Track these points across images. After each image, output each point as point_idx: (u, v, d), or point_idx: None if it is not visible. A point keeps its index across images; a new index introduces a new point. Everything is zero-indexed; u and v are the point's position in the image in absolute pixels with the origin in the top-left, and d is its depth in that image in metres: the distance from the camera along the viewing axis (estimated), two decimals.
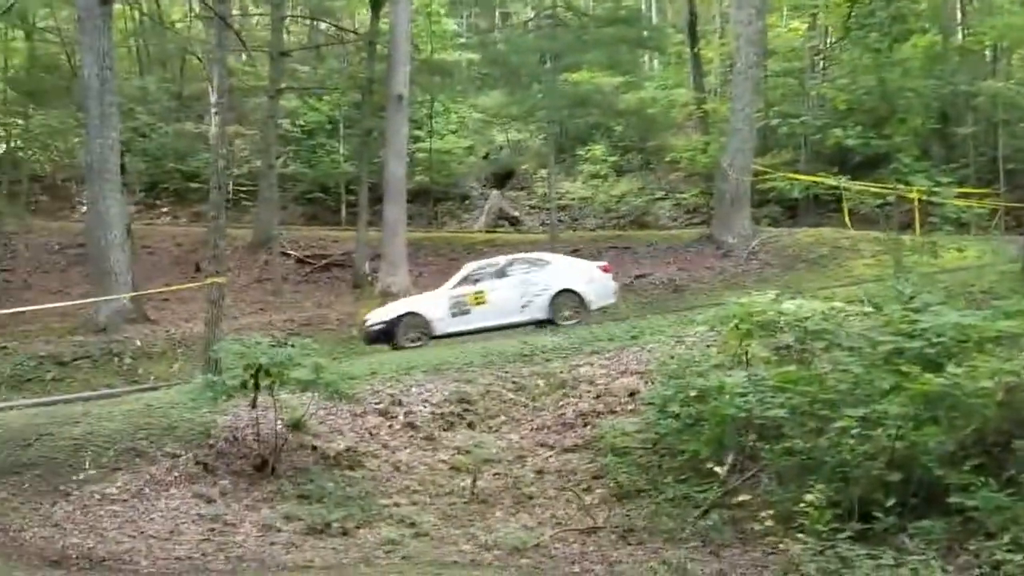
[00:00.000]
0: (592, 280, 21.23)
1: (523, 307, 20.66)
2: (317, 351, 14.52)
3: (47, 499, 12.63)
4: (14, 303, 25.80)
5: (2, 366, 23.22)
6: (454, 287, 21.13)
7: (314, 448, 14.06)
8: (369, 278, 28.90)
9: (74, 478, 13.03)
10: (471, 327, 20.47)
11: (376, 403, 15.26)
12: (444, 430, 14.79)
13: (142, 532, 12.07)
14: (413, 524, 12.37)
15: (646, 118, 37.25)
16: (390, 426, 14.84)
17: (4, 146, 36.02)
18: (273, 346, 14.08)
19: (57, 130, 35.68)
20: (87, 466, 13.24)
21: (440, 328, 20.53)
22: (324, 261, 31.84)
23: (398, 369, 16.59)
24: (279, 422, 13.97)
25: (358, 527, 12.29)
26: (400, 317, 20.56)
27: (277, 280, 29.64)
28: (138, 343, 23.93)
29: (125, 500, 12.73)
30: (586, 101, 33.29)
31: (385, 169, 28.05)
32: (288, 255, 31.71)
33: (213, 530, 12.16)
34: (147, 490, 12.95)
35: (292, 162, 36.86)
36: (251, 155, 37.08)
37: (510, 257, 21.96)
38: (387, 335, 20.51)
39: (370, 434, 14.62)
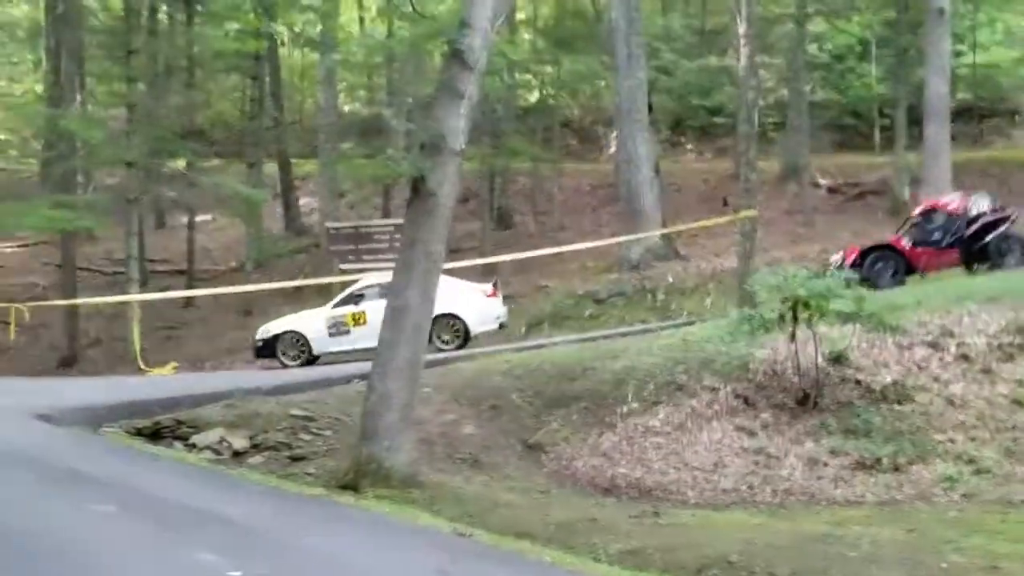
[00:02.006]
0: (474, 304, 19.82)
1: None
2: (857, 281, 13.79)
3: (594, 430, 12.97)
4: (551, 244, 27.12)
5: (544, 304, 24.61)
6: (335, 306, 20.53)
7: (858, 382, 13.39)
8: (909, 205, 27.38)
9: (618, 410, 13.28)
10: (350, 348, 19.77)
11: (924, 334, 14.18)
12: (1003, 362, 13.45)
13: (686, 464, 12.12)
14: (972, 460, 11.57)
15: None
16: (940, 358, 13.74)
17: (537, 94, 37.96)
18: (811, 278, 13.53)
19: (584, 75, 37.06)
20: (629, 399, 13.45)
21: (318, 347, 20.28)
22: (857, 189, 30.70)
23: (947, 299, 15.38)
24: (819, 355, 13.48)
25: (910, 463, 11.66)
26: (279, 335, 20.43)
27: (808, 210, 28.95)
28: (670, 279, 24.32)
29: (668, 432, 12.81)
30: None
31: (925, 88, 26.13)
32: (818, 185, 30.90)
33: (757, 463, 11.99)
34: (689, 423, 12.95)
35: (820, 89, 35.80)
36: (776, 85, 36.47)
37: None
38: (269, 350, 20.49)
39: (918, 367, 13.63)
